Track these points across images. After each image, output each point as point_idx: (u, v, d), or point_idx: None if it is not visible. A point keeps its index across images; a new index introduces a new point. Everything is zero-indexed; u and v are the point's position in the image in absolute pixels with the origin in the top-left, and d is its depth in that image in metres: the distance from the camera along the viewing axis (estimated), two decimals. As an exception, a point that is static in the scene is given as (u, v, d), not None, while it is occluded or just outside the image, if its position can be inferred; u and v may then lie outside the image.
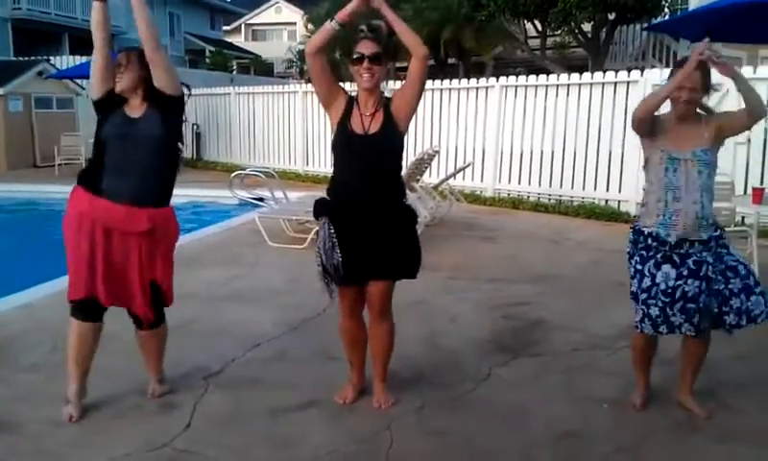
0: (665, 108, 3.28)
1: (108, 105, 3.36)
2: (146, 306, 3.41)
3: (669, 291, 3.22)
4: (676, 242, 3.20)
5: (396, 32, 3.22)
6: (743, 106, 3.20)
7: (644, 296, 3.29)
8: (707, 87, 3.24)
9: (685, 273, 3.20)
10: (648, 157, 3.33)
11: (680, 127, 3.25)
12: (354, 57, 3.28)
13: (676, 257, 3.22)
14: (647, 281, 3.27)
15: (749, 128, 3.36)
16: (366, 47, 3.25)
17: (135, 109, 3.36)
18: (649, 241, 3.27)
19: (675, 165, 3.19)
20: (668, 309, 3.23)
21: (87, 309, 3.36)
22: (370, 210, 3.33)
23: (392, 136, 3.33)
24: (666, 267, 3.23)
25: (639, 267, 3.31)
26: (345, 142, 3.34)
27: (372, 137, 3.29)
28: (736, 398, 3.70)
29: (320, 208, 3.44)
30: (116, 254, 3.31)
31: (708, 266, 3.21)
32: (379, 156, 3.33)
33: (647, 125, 3.30)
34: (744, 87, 3.16)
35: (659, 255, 3.25)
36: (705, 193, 3.19)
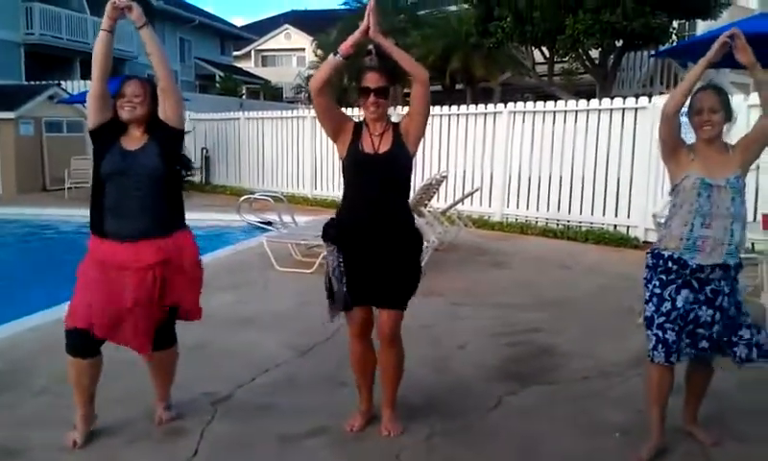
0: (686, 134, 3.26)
1: (104, 135, 3.31)
2: (147, 337, 3.34)
3: (684, 314, 3.17)
4: (697, 266, 3.14)
5: (396, 60, 3.28)
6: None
7: (661, 319, 3.20)
8: (727, 112, 3.19)
9: (702, 298, 3.16)
10: (679, 183, 3.22)
11: (709, 153, 3.19)
12: (361, 89, 3.34)
13: (695, 283, 3.17)
14: (667, 305, 3.19)
15: None
16: (372, 80, 3.31)
17: (134, 140, 3.31)
18: (669, 264, 3.19)
19: (708, 191, 3.12)
20: (683, 334, 3.18)
21: (79, 345, 3.31)
22: (379, 233, 3.34)
23: (401, 155, 3.37)
24: (685, 291, 3.17)
25: (658, 291, 3.23)
26: (355, 163, 3.37)
27: (383, 156, 3.33)
28: (749, 426, 3.64)
29: (329, 233, 3.43)
30: (131, 290, 3.24)
31: (723, 297, 3.17)
32: (389, 174, 3.35)
33: (674, 129, 3.21)
34: (760, 79, 3.14)
35: (679, 280, 3.18)
36: (736, 221, 3.13)
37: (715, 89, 3.23)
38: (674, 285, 3.19)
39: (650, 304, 3.26)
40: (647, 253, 3.38)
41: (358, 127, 3.43)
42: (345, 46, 3.27)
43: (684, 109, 3.22)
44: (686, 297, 3.17)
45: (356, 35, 3.25)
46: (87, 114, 3.34)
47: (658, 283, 3.24)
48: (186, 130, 3.52)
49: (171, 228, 3.36)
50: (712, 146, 3.20)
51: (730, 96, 3.33)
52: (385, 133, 3.37)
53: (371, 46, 3.35)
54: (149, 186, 3.26)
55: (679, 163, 3.24)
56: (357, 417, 3.64)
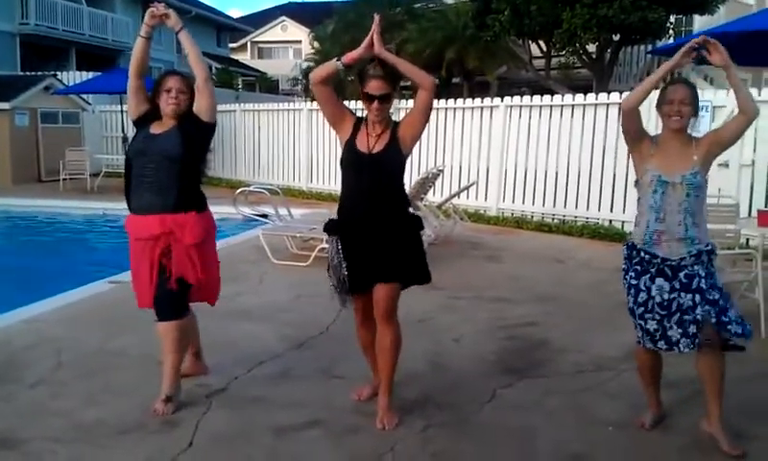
0: (651, 127, 3.32)
1: (144, 123, 3.67)
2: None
3: (665, 304, 3.26)
4: (666, 256, 3.25)
5: (402, 72, 3.41)
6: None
7: (640, 310, 3.33)
8: (695, 107, 3.28)
9: (678, 286, 3.25)
10: (639, 178, 3.37)
11: (671, 148, 3.28)
12: (365, 95, 3.41)
13: (668, 271, 3.26)
14: (643, 296, 3.31)
15: (743, 131, 3.32)
16: (375, 88, 3.38)
17: (161, 126, 3.62)
18: (642, 255, 3.31)
19: (664, 188, 3.23)
20: (665, 322, 3.28)
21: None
22: (373, 223, 3.47)
23: (394, 156, 3.47)
24: (660, 280, 3.28)
25: (635, 282, 3.34)
26: (349, 160, 3.50)
27: (376, 156, 3.44)
28: (745, 423, 3.60)
29: (329, 226, 3.62)
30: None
31: (699, 279, 3.22)
32: (381, 174, 3.46)
33: (635, 123, 3.34)
34: (736, 82, 3.21)
35: (652, 269, 3.29)
36: (689, 215, 3.21)
37: (687, 84, 3.32)
38: (648, 275, 3.31)
39: (629, 296, 3.39)
40: (623, 245, 3.51)
41: (358, 122, 3.54)
42: (348, 57, 3.40)
43: None
44: (662, 286, 3.27)
45: (360, 50, 3.37)
46: (128, 107, 3.79)
47: (633, 274, 3.36)
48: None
49: (180, 207, 3.59)
50: (677, 138, 3.29)
51: (701, 91, 3.37)
52: (383, 133, 3.46)
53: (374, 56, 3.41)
54: (163, 167, 3.55)
55: (641, 155, 3.35)
56: (366, 387, 3.85)
